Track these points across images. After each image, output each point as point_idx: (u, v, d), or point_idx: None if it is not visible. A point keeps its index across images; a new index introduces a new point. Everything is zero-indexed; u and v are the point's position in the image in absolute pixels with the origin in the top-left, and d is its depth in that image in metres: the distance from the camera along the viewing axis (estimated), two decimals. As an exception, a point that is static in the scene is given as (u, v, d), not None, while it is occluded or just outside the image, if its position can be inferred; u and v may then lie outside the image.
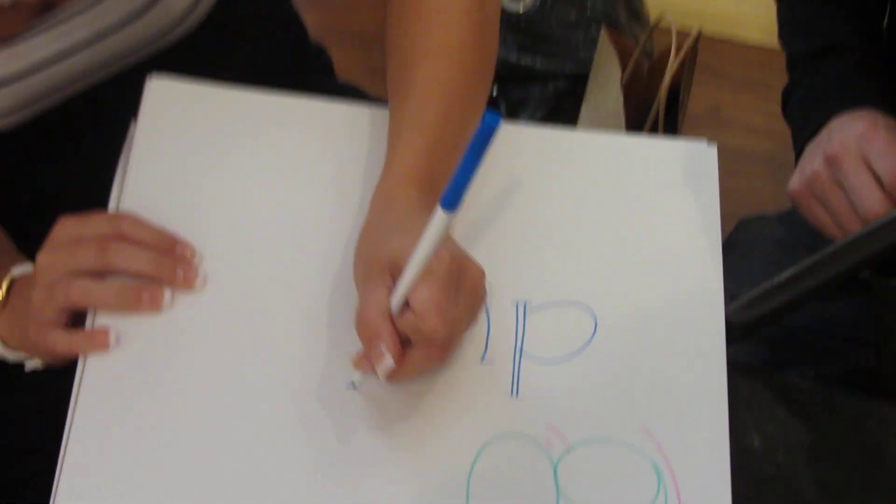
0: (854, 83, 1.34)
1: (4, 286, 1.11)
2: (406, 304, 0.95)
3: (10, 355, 1.12)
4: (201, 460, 0.99)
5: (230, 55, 1.34)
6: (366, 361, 0.98)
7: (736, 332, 1.08)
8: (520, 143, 1.15)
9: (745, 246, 1.46)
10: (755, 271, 1.21)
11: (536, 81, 2.04)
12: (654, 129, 1.80)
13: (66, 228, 1.06)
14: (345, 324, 1.04)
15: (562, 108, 2.03)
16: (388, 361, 0.94)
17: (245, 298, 1.06)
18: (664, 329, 1.06)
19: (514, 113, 2.08)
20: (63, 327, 1.05)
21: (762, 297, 1.12)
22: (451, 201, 0.88)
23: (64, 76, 1.20)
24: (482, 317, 1.06)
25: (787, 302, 1.12)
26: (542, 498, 1.00)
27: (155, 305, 1.04)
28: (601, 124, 1.78)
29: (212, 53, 1.31)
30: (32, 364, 1.11)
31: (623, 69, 1.82)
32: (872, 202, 1.20)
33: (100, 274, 1.04)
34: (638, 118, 1.83)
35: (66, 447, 1.00)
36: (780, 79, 1.44)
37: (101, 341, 1.02)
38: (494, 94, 2.07)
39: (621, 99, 1.76)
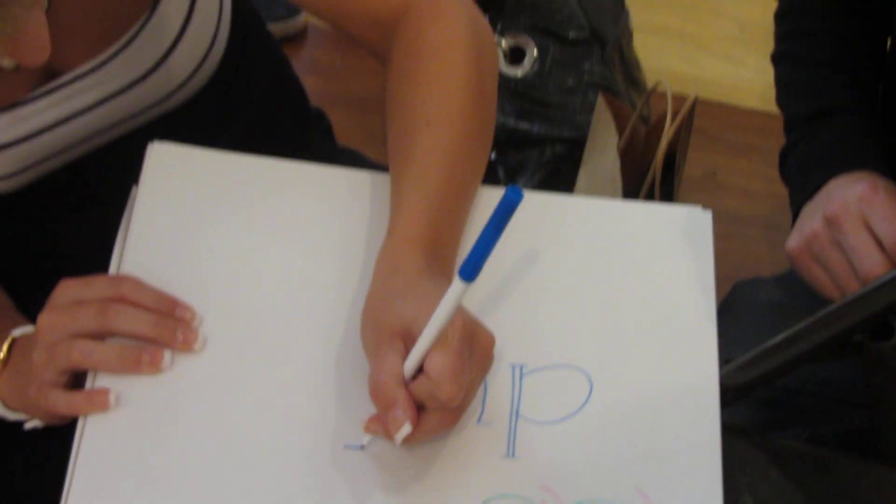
0: (853, 145, 1.35)
1: (5, 347, 1.11)
2: (420, 370, 0.96)
3: (11, 415, 1.12)
4: (200, 521, 1.00)
5: (231, 119, 1.35)
6: (376, 425, 0.99)
7: (730, 395, 1.09)
8: (518, 208, 1.17)
9: (740, 309, 1.47)
10: (750, 334, 1.22)
11: (534, 146, 2.05)
12: (650, 194, 1.82)
13: (68, 290, 1.07)
14: (346, 385, 1.05)
15: (559, 172, 2.03)
16: (405, 428, 0.96)
17: (245, 361, 1.06)
18: (659, 391, 1.07)
19: (512, 177, 2.09)
20: (63, 388, 1.05)
21: (756, 360, 1.13)
22: (470, 272, 0.90)
23: (66, 140, 1.22)
24: (479, 379, 1.07)
25: (780, 365, 1.13)
26: (537, 558, 1.00)
27: (155, 367, 1.04)
28: (598, 188, 1.80)
29: (213, 117, 1.33)
30: (32, 423, 1.12)
31: (620, 134, 1.84)
32: (873, 264, 1.21)
33: (100, 335, 1.05)
34: (635, 182, 1.84)
35: (65, 507, 1.00)
36: (776, 143, 1.45)
37: (100, 402, 1.03)
38: (493, 158, 2.08)
39: (618, 163, 1.78)
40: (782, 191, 1.41)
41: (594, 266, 1.14)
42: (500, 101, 2.04)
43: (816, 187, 1.33)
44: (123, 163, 1.19)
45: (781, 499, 1.14)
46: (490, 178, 1.44)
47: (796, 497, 1.14)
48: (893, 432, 1.17)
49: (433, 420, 0.97)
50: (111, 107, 1.22)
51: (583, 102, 2.03)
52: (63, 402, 1.04)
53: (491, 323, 1.03)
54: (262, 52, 1.44)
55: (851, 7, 1.44)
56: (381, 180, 1.17)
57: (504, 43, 2.10)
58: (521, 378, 1.07)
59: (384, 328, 0.99)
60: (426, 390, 0.95)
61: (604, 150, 1.81)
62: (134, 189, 1.16)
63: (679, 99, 1.88)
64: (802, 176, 1.37)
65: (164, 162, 1.17)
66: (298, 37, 2.52)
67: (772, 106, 1.48)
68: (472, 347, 0.98)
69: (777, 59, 1.48)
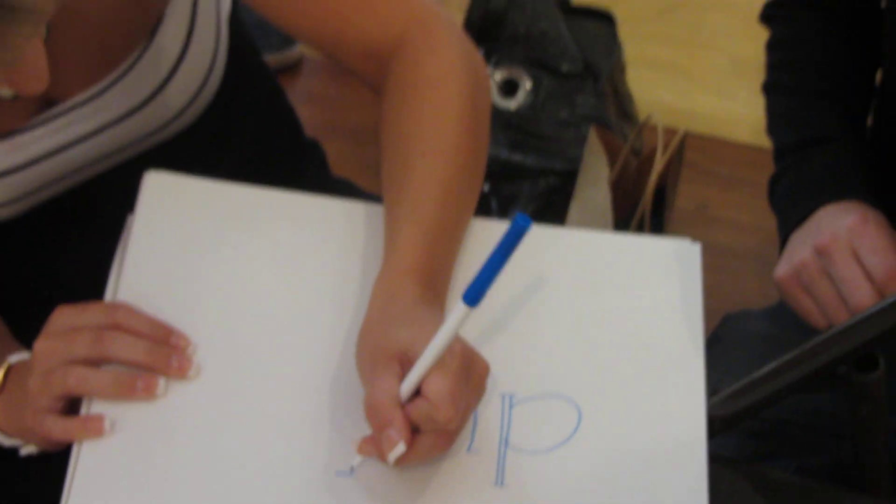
0: (842, 174, 1.36)
1: (1, 373, 1.12)
2: (416, 393, 0.97)
3: (7, 441, 1.12)
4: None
5: (227, 148, 1.36)
6: (370, 446, 1.00)
7: (717, 426, 1.10)
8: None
9: (729, 341, 1.47)
10: (738, 366, 1.22)
11: (527, 178, 2.05)
12: (640, 226, 1.82)
13: (64, 317, 1.07)
14: (339, 413, 1.06)
15: (552, 204, 2.04)
16: (399, 448, 0.96)
17: (239, 388, 1.07)
18: (646, 422, 1.07)
19: (504, 209, 2.09)
20: (59, 414, 1.06)
21: (742, 391, 1.13)
22: (474, 297, 0.92)
23: (63, 168, 1.22)
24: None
25: (766, 396, 1.13)
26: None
27: (149, 394, 1.05)
28: (590, 220, 1.80)
29: (209, 146, 1.33)
30: (28, 449, 1.12)
31: (611, 167, 1.84)
32: (862, 296, 1.21)
33: (96, 362, 1.06)
34: (626, 214, 1.85)
35: (59, 532, 1.01)
36: (767, 177, 1.45)
37: (96, 428, 1.03)
38: (486, 190, 2.09)
39: (609, 196, 1.78)
40: (773, 224, 1.41)
41: (584, 297, 1.15)
42: (493, 133, 2.03)
43: (805, 215, 1.33)
44: (120, 191, 1.19)
45: (768, 529, 1.15)
46: (483, 210, 1.45)
47: (783, 528, 1.15)
48: (878, 464, 1.18)
49: (427, 442, 0.98)
50: (108, 135, 1.23)
51: (575, 135, 2.03)
52: (58, 428, 1.04)
53: (481, 352, 1.04)
54: (258, 82, 1.44)
55: (842, 38, 1.45)
56: (376, 211, 1.18)
57: (498, 75, 2.10)
58: (510, 407, 1.07)
59: (381, 352, 1.00)
60: (423, 412, 0.96)
61: (595, 183, 1.82)
62: (130, 217, 1.16)
63: (670, 132, 1.89)
64: (791, 204, 1.37)
65: (160, 191, 1.18)
66: (294, 67, 2.52)
67: (763, 140, 1.48)
68: (469, 373, 0.99)
69: (768, 88, 1.49)
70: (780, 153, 1.44)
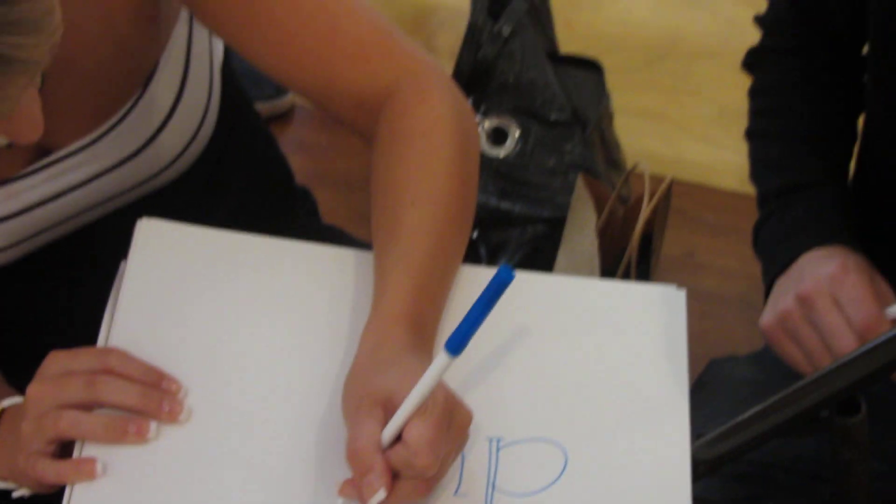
0: (824, 219, 1.37)
1: None
2: (397, 439, 0.98)
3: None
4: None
5: (219, 196, 1.37)
6: (351, 489, 1.00)
7: (701, 469, 1.10)
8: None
9: (714, 386, 1.48)
10: (724, 410, 1.23)
11: (515, 226, 2.05)
12: (627, 272, 1.83)
13: (57, 362, 1.08)
14: (327, 457, 1.06)
15: (540, 251, 2.04)
16: (380, 494, 0.97)
17: (229, 432, 1.07)
18: (632, 465, 1.08)
19: (493, 256, 2.09)
20: (51, 457, 1.06)
21: (726, 434, 1.14)
22: (456, 346, 0.93)
23: (58, 215, 1.23)
24: (457, 451, 1.08)
25: (750, 439, 1.14)
26: None
27: (141, 437, 1.05)
28: (577, 267, 1.81)
29: (201, 194, 1.34)
30: (20, 492, 1.11)
31: (599, 214, 1.85)
32: (845, 344, 1.22)
33: (88, 406, 1.06)
34: (613, 261, 1.85)
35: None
36: (752, 223, 1.46)
37: (88, 471, 1.03)
38: (475, 237, 2.09)
39: (596, 243, 1.79)
40: (759, 270, 1.42)
41: (571, 342, 1.16)
42: (482, 180, 2.04)
43: (788, 262, 1.34)
44: (113, 237, 1.20)
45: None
46: (472, 257, 1.46)
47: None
48: (860, 507, 1.19)
49: (406, 488, 0.99)
50: (102, 183, 1.24)
51: (563, 183, 2.03)
52: (51, 471, 1.05)
53: (469, 396, 1.05)
54: (250, 130, 1.45)
55: (822, 84, 1.46)
56: (365, 258, 1.18)
57: (487, 124, 2.10)
58: (497, 451, 1.08)
59: (366, 397, 1.01)
60: (403, 458, 0.97)
61: (583, 230, 1.82)
62: (123, 263, 1.17)
63: (656, 180, 1.89)
64: (774, 250, 1.38)
65: (153, 238, 1.18)
66: (285, 116, 2.51)
67: (749, 187, 1.49)
68: (451, 421, 1.00)
69: (751, 135, 1.50)
70: (762, 199, 1.45)
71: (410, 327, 1.07)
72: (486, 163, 2.09)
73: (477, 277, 1.17)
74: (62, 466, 1.05)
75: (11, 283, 1.26)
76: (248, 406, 1.09)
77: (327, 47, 1.19)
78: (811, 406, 1.14)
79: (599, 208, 1.88)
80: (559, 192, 2.05)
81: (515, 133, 2.11)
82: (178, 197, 1.31)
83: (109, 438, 1.05)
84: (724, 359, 1.54)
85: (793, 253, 1.34)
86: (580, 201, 1.84)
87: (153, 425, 1.06)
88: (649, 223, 1.85)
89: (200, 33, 1.28)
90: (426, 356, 1.05)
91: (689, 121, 2.52)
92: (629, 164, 2.21)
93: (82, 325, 1.16)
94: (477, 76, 2.13)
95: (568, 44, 2.42)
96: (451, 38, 2.50)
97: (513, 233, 2.07)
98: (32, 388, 1.07)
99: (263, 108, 2.41)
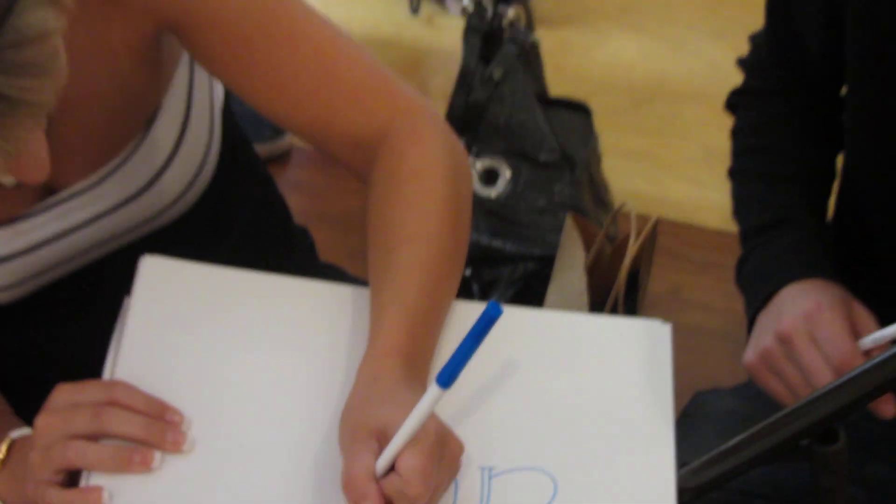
0: (803, 254, 1.38)
1: (4, 448, 1.13)
2: (391, 468, 0.99)
3: (8, 513, 1.13)
4: None
5: (220, 235, 1.37)
6: None
7: (686, 496, 1.11)
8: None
9: (699, 417, 1.48)
10: (709, 440, 1.23)
11: (507, 263, 2.05)
12: (615, 308, 1.83)
13: (64, 394, 1.08)
14: (324, 483, 1.07)
15: (530, 288, 2.04)
16: None
17: (230, 461, 1.08)
18: (619, 492, 1.09)
19: (485, 293, 2.09)
20: (59, 486, 1.06)
21: (710, 463, 1.14)
22: (447, 380, 0.94)
23: (63, 253, 1.23)
24: (450, 481, 1.09)
25: (734, 467, 1.14)
26: None
27: (145, 467, 1.06)
28: (567, 303, 1.81)
29: (202, 233, 1.34)
30: (29, 521, 1.12)
31: (587, 252, 1.85)
32: (824, 381, 1.22)
33: (94, 437, 1.06)
34: (601, 297, 1.85)
35: None
36: (736, 260, 1.47)
37: (94, 499, 1.04)
38: (468, 274, 2.09)
39: (585, 280, 1.79)
40: (742, 306, 1.43)
41: (560, 375, 1.17)
42: (474, 220, 2.05)
43: (768, 296, 1.35)
44: (117, 274, 1.21)
45: None
46: (465, 294, 1.47)
47: None
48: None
49: None
50: (106, 222, 1.24)
51: (553, 222, 2.03)
52: (59, 500, 1.05)
53: (463, 427, 1.06)
54: (249, 171, 1.46)
55: (801, 124, 1.47)
56: (362, 294, 1.19)
57: (479, 165, 2.11)
58: (489, 479, 1.09)
59: (361, 428, 1.02)
60: (396, 487, 0.98)
61: (572, 267, 1.83)
62: (126, 299, 1.17)
63: (643, 219, 1.90)
64: (756, 285, 1.39)
65: (155, 275, 1.19)
66: (283, 157, 2.51)
67: (734, 225, 1.49)
68: (443, 452, 1.01)
69: (733, 173, 1.51)
70: (744, 236, 1.46)
71: (405, 361, 1.08)
72: (479, 202, 2.09)
73: (469, 313, 1.18)
74: (70, 495, 1.05)
75: (19, 320, 1.27)
76: (249, 437, 1.10)
77: (325, 89, 1.20)
78: (792, 435, 1.15)
79: (588, 246, 1.88)
80: (549, 231, 2.05)
81: (506, 174, 2.11)
82: (181, 235, 1.31)
83: (115, 468, 1.06)
84: (708, 391, 1.54)
85: (772, 287, 1.35)
86: (569, 240, 1.85)
87: (157, 455, 1.07)
88: (636, 261, 1.86)
89: (201, 77, 1.29)
90: (420, 389, 1.06)
91: (674, 161, 2.53)
92: (617, 203, 2.21)
93: (88, 359, 1.17)
94: (469, 118, 2.13)
95: (557, 87, 2.43)
96: (445, 81, 2.51)
97: (504, 270, 2.07)
98: (41, 420, 1.08)
99: (262, 149, 2.41)
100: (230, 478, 1.08)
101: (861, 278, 1.39)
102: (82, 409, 1.07)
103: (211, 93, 1.32)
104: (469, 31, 2.21)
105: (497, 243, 2.08)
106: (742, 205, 1.48)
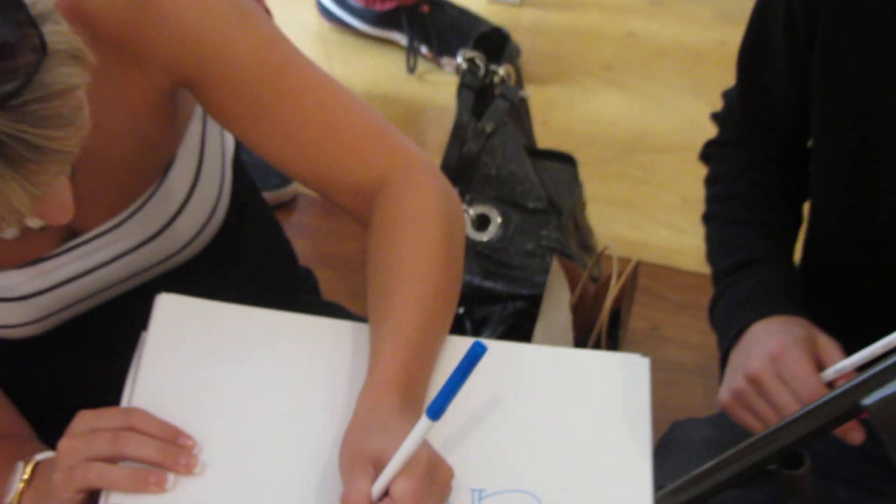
0: (770, 292, 1.38)
1: (29, 469, 1.14)
2: (385, 493, 1.00)
3: (33, 530, 1.13)
4: None
5: (230, 274, 1.38)
6: None
7: (662, 518, 1.12)
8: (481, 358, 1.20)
9: (676, 445, 1.49)
10: (684, 467, 1.24)
11: (497, 302, 2.05)
12: (598, 344, 1.84)
13: (85, 420, 1.09)
14: (325, 504, 1.07)
15: (519, 325, 2.03)
16: None
17: (239, 483, 1.09)
18: None
19: (477, 329, 2.08)
20: None
21: (684, 486, 1.15)
22: (436, 412, 0.95)
23: (84, 291, 1.24)
24: (445, 503, 1.10)
25: (706, 490, 1.15)
26: None
27: (160, 487, 1.07)
28: (553, 339, 1.81)
29: (214, 273, 1.35)
30: (51, 538, 1.12)
31: (572, 292, 1.86)
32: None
33: (113, 459, 1.07)
34: (585, 334, 1.86)
35: None
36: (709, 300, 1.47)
37: None
38: (461, 312, 2.09)
39: (570, 318, 1.80)
40: (716, 342, 1.43)
41: (544, 405, 1.18)
42: (467, 262, 2.05)
43: (738, 333, 1.36)
44: (135, 310, 1.21)
45: None
46: (458, 330, 1.47)
47: None
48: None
49: None
50: (124, 262, 1.25)
51: (541, 264, 2.03)
52: (79, 518, 1.06)
53: (455, 452, 1.07)
54: (258, 216, 1.47)
55: (769, 172, 1.47)
56: (362, 330, 1.20)
57: (472, 211, 2.10)
58: (479, 500, 1.10)
59: (359, 455, 1.03)
60: None
61: (558, 306, 1.83)
62: (143, 334, 1.18)
63: (624, 261, 1.91)
64: (727, 323, 1.40)
65: (170, 311, 1.20)
66: (289, 203, 2.49)
67: (708, 268, 1.50)
68: (434, 478, 1.02)
69: (707, 219, 1.51)
70: (716, 277, 1.46)
71: (401, 393, 1.09)
72: (471, 246, 2.09)
73: (462, 348, 1.16)
74: (90, 513, 1.06)
75: (43, 351, 1.27)
76: (256, 461, 1.11)
77: (327, 141, 1.21)
78: (760, 460, 1.16)
79: (573, 287, 1.89)
80: (537, 273, 2.04)
81: (497, 220, 2.11)
82: (194, 275, 1.32)
83: (132, 488, 1.07)
84: (685, 421, 1.54)
85: (741, 325, 1.36)
86: (556, 281, 1.85)
87: (171, 477, 1.07)
88: (618, 300, 1.87)
89: (213, 129, 1.30)
90: (415, 418, 1.05)
91: (654, 209, 2.53)
92: (600, 246, 2.21)
93: (106, 390, 1.17)
94: (462, 168, 2.13)
95: (545, 139, 2.43)
96: (439, 134, 2.51)
97: (495, 309, 2.07)
98: (63, 444, 1.08)
99: (270, 196, 2.42)
100: (238, 499, 1.08)
101: (828, 313, 1.39)
102: (102, 433, 1.08)
103: (222, 144, 1.33)
104: (462, 88, 2.21)
105: (488, 284, 2.07)
106: (714, 248, 1.49)
